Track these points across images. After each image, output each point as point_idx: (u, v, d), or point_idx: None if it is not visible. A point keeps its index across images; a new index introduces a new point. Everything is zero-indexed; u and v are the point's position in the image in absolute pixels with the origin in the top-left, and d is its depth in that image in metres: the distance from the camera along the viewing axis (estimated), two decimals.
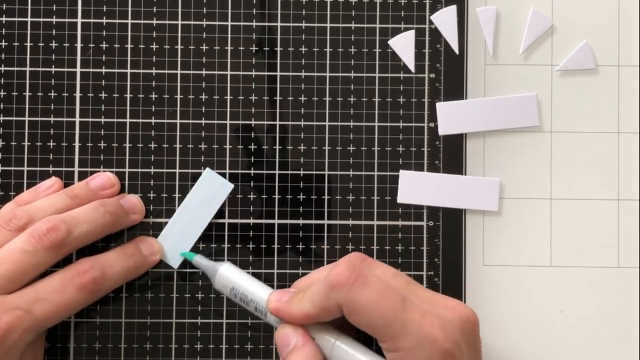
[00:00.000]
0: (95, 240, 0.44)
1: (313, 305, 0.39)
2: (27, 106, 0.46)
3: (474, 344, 0.38)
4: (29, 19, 0.47)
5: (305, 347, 0.40)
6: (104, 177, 0.45)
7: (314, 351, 0.40)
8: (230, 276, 0.43)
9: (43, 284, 0.41)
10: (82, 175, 0.46)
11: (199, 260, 0.44)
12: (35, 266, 0.40)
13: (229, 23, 0.47)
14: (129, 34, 0.47)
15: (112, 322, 0.46)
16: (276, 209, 0.46)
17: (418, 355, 0.37)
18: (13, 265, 0.40)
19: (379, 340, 0.38)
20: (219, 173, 0.46)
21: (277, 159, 0.47)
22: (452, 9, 0.47)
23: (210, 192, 0.46)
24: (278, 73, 0.47)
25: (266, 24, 0.47)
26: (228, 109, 0.47)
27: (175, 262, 0.45)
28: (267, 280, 0.46)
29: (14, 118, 0.46)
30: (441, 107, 0.47)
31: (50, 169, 0.46)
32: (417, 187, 0.46)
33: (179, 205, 0.46)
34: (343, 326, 0.40)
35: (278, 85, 0.47)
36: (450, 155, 0.47)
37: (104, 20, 0.47)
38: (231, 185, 0.46)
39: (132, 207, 0.45)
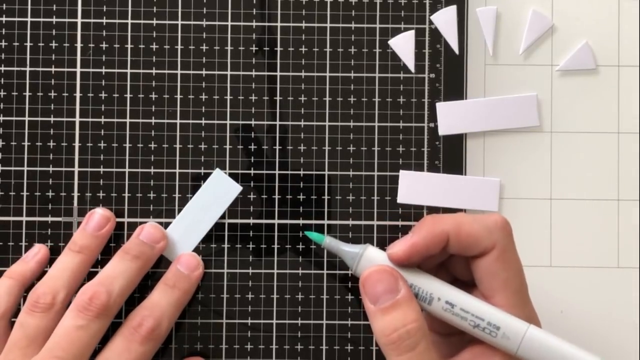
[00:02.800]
0: (134, 287, 0.44)
1: (467, 225, 0.37)
2: (27, 106, 0.46)
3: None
4: (29, 19, 0.47)
5: (415, 302, 0.36)
6: (97, 217, 0.45)
7: (419, 309, 0.36)
8: (379, 260, 0.38)
9: (108, 352, 0.41)
10: (82, 175, 0.46)
11: (333, 243, 0.39)
12: (93, 337, 0.41)
13: (229, 23, 0.47)
14: (129, 34, 0.47)
15: (111, 322, 0.45)
16: (276, 209, 0.46)
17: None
18: (73, 345, 0.40)
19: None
20: None
21: (277, 159, 0.47)
22: (452, 9, 0.47)
23: (218, 193, 0.45)
24: (278, 73, 0.47)
25: (266, 24, 0.47)
26: (228, 109, 0.47)
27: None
28: (267, 280, 0.46)
29: (14, 118, 0.46)
30: (441, 107, 0.47)
31: (50, 169, 0.46)
32: (417, 187, 0.46)
33: (179, 205, 0.46)
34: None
35: (278, 85, 0.47)
36: (450, 156, 0.47)
37: (104, 20, 0.47)
38: (240, 188, 0.46)
39: (152, 238, 0.45)
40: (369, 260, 0.38)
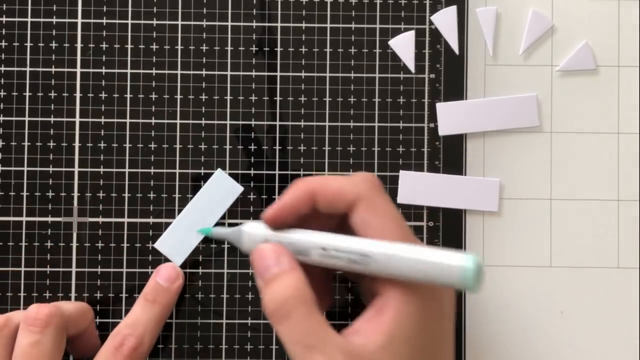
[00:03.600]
0: (160, 328, 0.44)
1: (327, 184, 0.38)
2: (27, 106, 0.46)
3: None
4: (29, 19, 0.47)
5: (296, 271, 0.37)
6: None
7: (303, 277, 0.37)
8: (258, 231, 0.39)
9: None
10: (82, 175, 0.46)
11: (218, 230, 0.42)
12: None
13: (229, 23, 0.47)
14: (129, 34, 0.47)
15: (112, 322, 0.46)
16: None
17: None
18: None
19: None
20: None
21: (277, 159, 0.47)
22: (452, 10, 0.47)
23: (219, 193, 0.45)
24: (278, 73, 0.47)
25: (266, 24, 0.47)
26: (228, 109, 0.47)
27: (178, 260, 0.45)
28: None
29: (14, 118, 0.46)
30: (441, 107, 0.47)
31: (50, 169, 0.46)
32: (417, 188, 0.46)
33: (179, 205, 0.46)
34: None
35: (278, 86, 0.47)
36: (450, 156, 0.47)
37: (104, 20, 0.47)
38: (241, 188, 0.46)
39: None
40: (249, 234, 0.39)
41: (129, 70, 0.47)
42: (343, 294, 0.46)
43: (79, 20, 0.47)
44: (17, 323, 0.41)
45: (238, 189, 0.46)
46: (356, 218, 0.37)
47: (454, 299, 0.38)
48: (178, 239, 0.45)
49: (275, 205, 0.38)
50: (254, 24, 0.47)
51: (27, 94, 0.46)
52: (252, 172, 0.46)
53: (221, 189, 0.46)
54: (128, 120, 0.46)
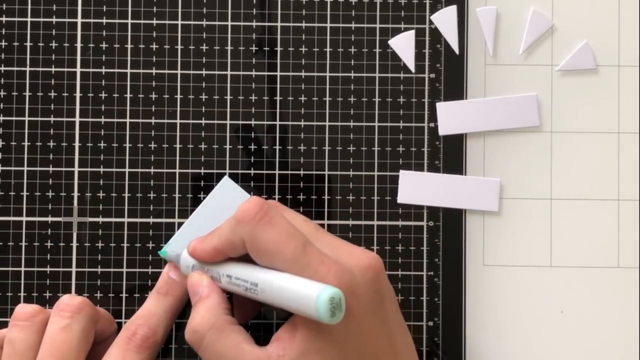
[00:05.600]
0: (172, 322, 0.44)
1: (220, 239, 0.40)
2: (27, 106, 0.46)
3: (380, 290, 0.38)
4: (29, 19, 0.46)
5: (210, 297, 0.40)
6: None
7: (218, 301, 0.40)
8: (188, 257, 0.43)
9: None
10: (82, 175, 0.46)
11: (169, 254, 0.44)
12: None
13: (229, 23, 0.47)
14: (129, 34, 0.47)
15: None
16: None
17: None
18: None
19: None
20: (218, 173, 0.46)
21: (277, 159, 0.47)
22: (452, 9, 0.47)
23: (226, 201, 0.45)
24: (278, 73, 0.47)
25: (266, 24, 0.47)
26: (228, 109, 0.47)
27: (187, 269, 0.44)
28: None
29: (14, 118, 0.46)
30: (441, 107, 0.47)
31: (50, 169, 0.46)
32: (417, 187, 0.46)
33: (179, 205, 0.46)
34: None
35: (278, 85, 0.47)
36: (450, 155, 0.47)
37: (104, 20, 0.47)
38: (248, 196, 0.45)
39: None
40: (183, 259, 0.43)
41: (129, 70, 0.47)
42: None
43: (79, 20, 0.47)
44: (50, 314, 0.43)
45: (245, 196, 0.45)
46: (251, 256, 0.39)
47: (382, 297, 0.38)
48: (183, 248, 0.45)
49: (199, 247, 0.41)
50: (254, 24, 0.47)
51: (27, 94, 0.46)
52: (252, 172, 0.46)
53: (228, 196, 0.45)
54: (128, 120, 0.46)
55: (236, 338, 0.38)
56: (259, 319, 0.46)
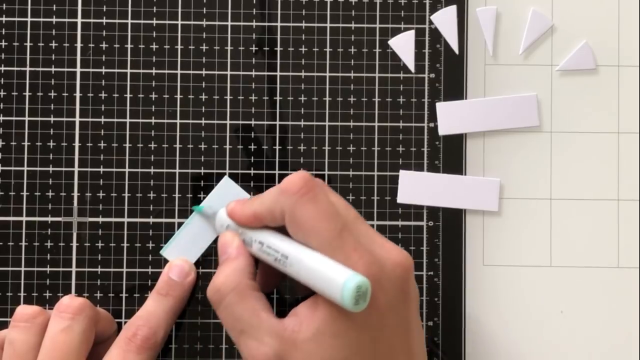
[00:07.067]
0: (173, 322, 0.44)
1: (262, 205, 0.40)
2: (27, 106, 0.46)
3: (405, 289, 0.38)
4: (29, 19, 0.47)
5: (238, 260, 0.40)
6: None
7: (244, 264, 0.40)
8: (225, 216, 0.43)
9: None
10: (82, 175, 0.46)
11: (206, 210, 0.45)
12: None
13: (229, 23, 0.47)
14: (129, 34, 0.47)
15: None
16: None
17: None
18: None
19: None
20: (218, 173, 0.46)
21: (277, 159, 0.47)
22: (452, 9, 0.47)
23: (226, 201, 0.45)
24: (278, 73, 0.47)
25: (266, 24, 0.47)
26: (228, 109, 0.47)
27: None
28: None
29: (14, 118, 0.46)
30: (441, 107, 0.47)
31: (50, 169, 0.46)
32: (417, 187, 0.46)
33: (179, 205, 0.46)
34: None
35: (278, 85, 0.47)
36: (450, 155, 0.47)
37: (104, 20, 0.47)
38: (248, 196, 0.46)
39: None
40: (219, 218, 0.43)
41: (128, 70, 0.47)
42: None
43: (79, 20, 0.47)
44: (50, 315, 0.43)
45: (245, 196, 0.45)
46: (287, 228, 0.39)
47: (409, 297, 0.38)
48: (184, 247, 0.45)
49: (239, 209, 0.41)
50: (254, 24, 0.47)
51: (27, 93, 0.46)
52: (252, 172, 0.46)
53: (228, 196, 0.45)
54: (128, 120, 0.46)
55: (256, 304, 0.38)
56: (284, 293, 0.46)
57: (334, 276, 0.35)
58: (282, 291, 0.46)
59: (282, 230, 0.39)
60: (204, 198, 0.45)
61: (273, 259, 0.39)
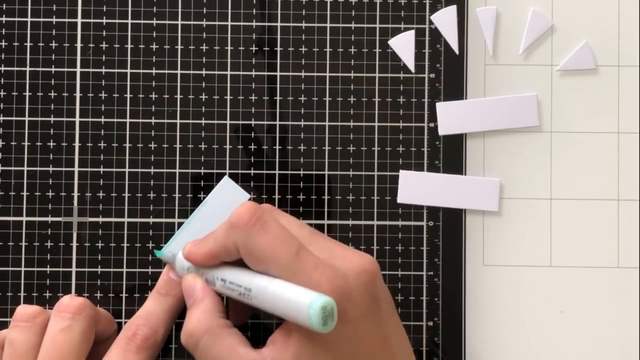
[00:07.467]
0: (173, 322, 0.44)
1: (215, 243, 0.40)
2: (27, 106, 0.46)
3: (374, 294, 0.38)
4: (29, 19, 0.47)
5: (205, 301, 0.40)
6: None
7: (212, 305, 0.40)
8: (183, 259, 0.43)
9: None
10: (82, 175, 0.46)
11: (165, 255, 0.44)
12: None
13: (229, 23, 0.47)
14: (129, 34, 0.47)
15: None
16: None
17: None
18: None
19: None
20: (218, 173, 0.46)
21: (277, 159, 0.47)
22: (452, 9, 0.47)
23: (226, 201, 0.45)
24: (278, 73, 0.47)
25: (266, 24, 0.47)
26: (228, 109, 0.47)
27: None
28: None
29: (14, 118, 0.46)
30: (441, 107, 0.47)
31: (50, 169, 0.46)
32: (417, 187, 0.46)
33: (179, 205, 0.46)
34: None
35: (278, 85, 0.47)
36: (450, 155, 0.47)
37: (104, 20, 0.47)
38: (248, 196, 0.45)
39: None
40: (178, 261, 0.43)
41: (128, 70, 0.47)
42: None
43: (79, 20, 0.47)
44: (50, 315, 0.43)
45: (245, 196, 0.45)
46: (245, 261, 0.39)
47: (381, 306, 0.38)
48: (182, 247, 0.45)
49: (194, 250, 0.41)
50: (254, 24, 0.47)
51: (27, 93, 0.46)
52: (252, 172, 0.46)
53: (228, 197, 0.45)
54: (128, 120, 0.46)
55: (232, 341, 0.38)
56: (258, 319, 0.46)
57: (298, 301, 0.35)
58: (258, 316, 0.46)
59: (241, 262, 0.39)
60: (204, 198, 0.45)
61: (237, 294, 0.39)
